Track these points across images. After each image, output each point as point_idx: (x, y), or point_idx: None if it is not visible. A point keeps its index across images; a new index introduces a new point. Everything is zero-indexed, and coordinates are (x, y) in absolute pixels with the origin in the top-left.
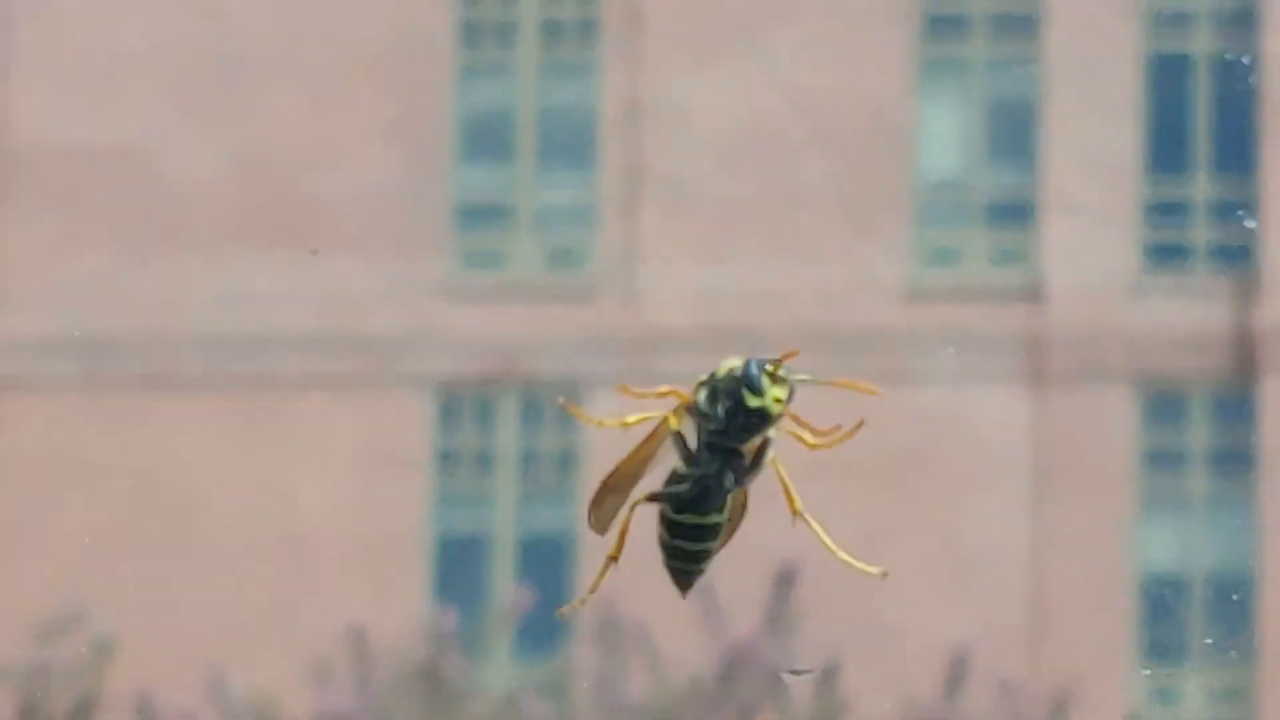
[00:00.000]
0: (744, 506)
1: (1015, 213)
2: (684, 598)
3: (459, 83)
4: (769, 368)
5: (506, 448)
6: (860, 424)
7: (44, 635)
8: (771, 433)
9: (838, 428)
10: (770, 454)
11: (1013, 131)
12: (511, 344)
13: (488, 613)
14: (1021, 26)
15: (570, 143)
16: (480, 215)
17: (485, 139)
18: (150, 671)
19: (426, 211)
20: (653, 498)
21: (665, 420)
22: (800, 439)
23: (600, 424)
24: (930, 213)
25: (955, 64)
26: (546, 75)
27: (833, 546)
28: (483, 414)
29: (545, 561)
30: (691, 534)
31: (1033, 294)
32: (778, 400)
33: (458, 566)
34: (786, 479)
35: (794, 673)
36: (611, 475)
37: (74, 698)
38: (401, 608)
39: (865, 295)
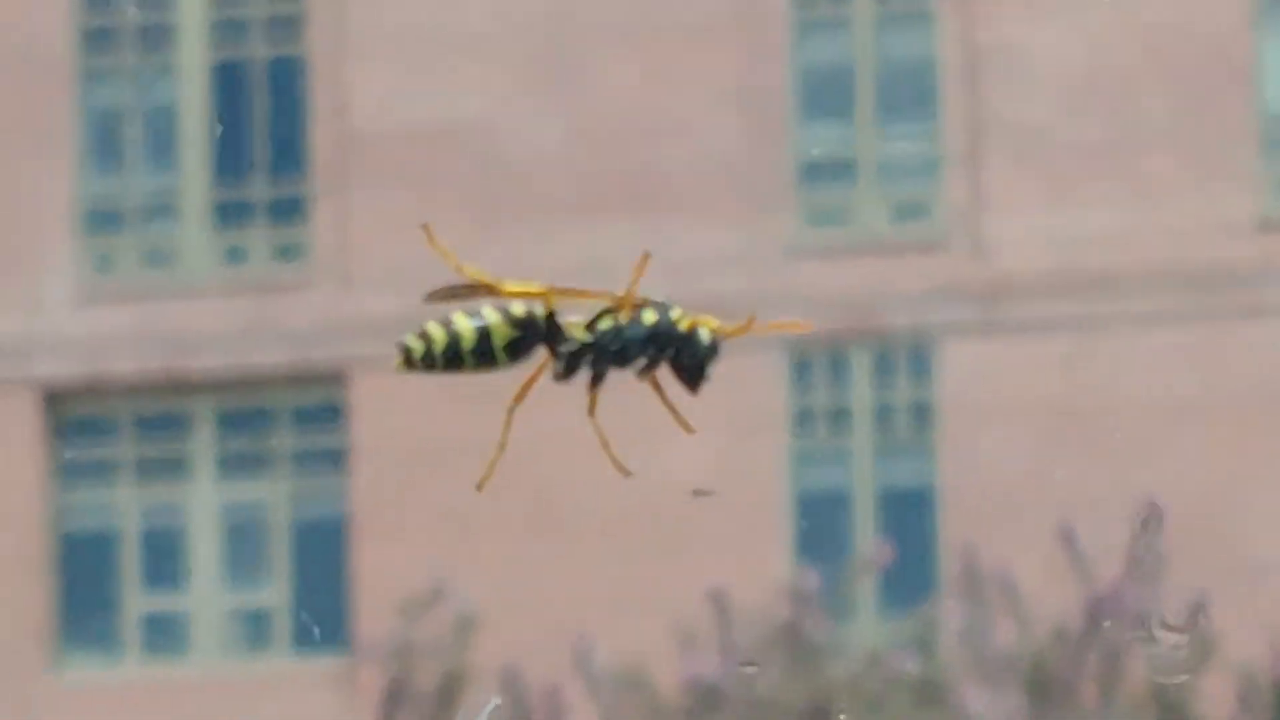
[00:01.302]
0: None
1: None
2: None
3: (796, 41)
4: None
5: (861, 403)
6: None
7: (409, 612)
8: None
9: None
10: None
11: None
12: (861, 299)
13: (850, 569)
14: None
15: (910, 94)
16: (823, 172)
17: (825, 96)
18: (515, 645)
19: (769, 172)
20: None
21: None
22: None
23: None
24: (1278, 144)
25: None
26: (883, 27)
27: (614, 457)
28: (835, 370)
29: (905, 515)
30: (482, 359)
31: None
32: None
33: (818, 524)
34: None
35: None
36: (498, 288)
37: (441, 673)
38: (763, 569)
39: (1216, 231)
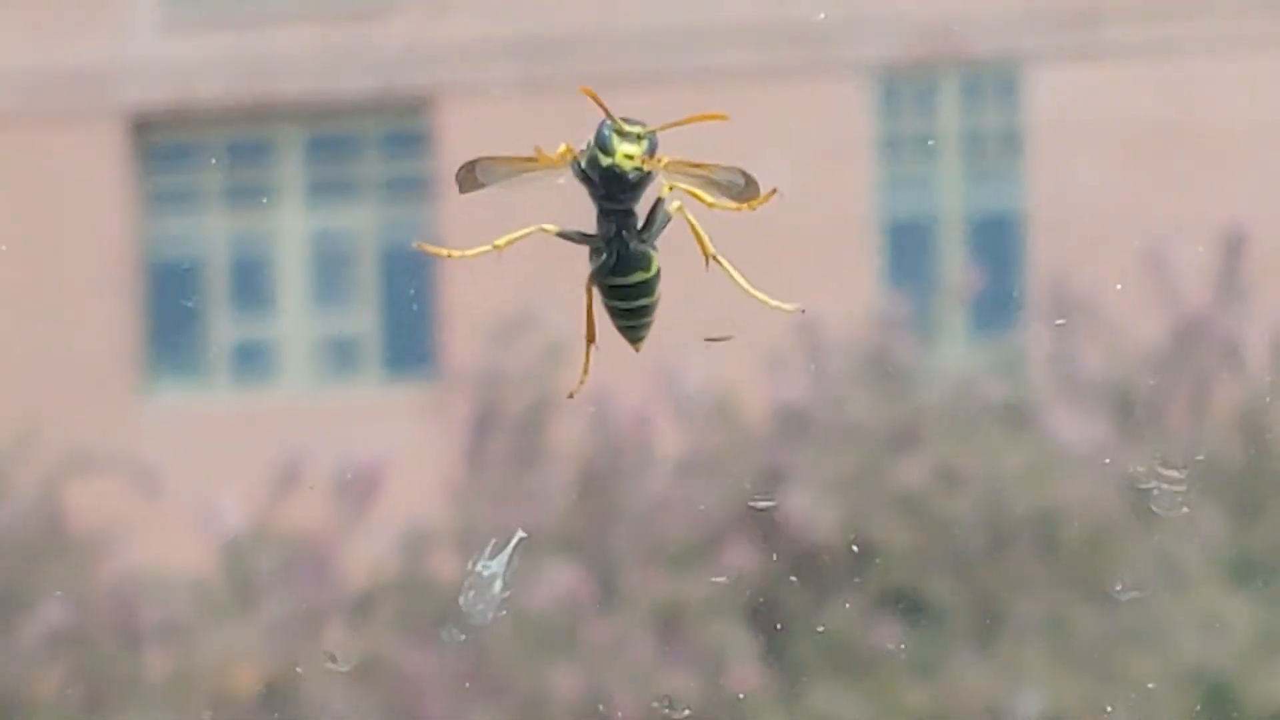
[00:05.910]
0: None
1: None
2: (636, 352)
3: None
4: (621, 126)
5: (949, 129)
6: (773, 192)
7: (498, 339)
8: (666, 188)
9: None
10: (670, 206)
11: None
12: (948, 24)
13: (938, 296)
14: None
15: None
16: None
17: None
18: (604, 372)
19: None
20: (593, 277)
21: (539, 152)
22: (697, 196)
23: (464, 255)
24: None
25: None
26: None
27: (746, 286)
28: (923, 97)
29: (994, 241)
30: (623, 294)
31: None
32: (627, 156)
33: (906, 251)
34: (696, 225)
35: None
36: (500, 160)
37: (528, 400)
38: (852, 295)
39: None
